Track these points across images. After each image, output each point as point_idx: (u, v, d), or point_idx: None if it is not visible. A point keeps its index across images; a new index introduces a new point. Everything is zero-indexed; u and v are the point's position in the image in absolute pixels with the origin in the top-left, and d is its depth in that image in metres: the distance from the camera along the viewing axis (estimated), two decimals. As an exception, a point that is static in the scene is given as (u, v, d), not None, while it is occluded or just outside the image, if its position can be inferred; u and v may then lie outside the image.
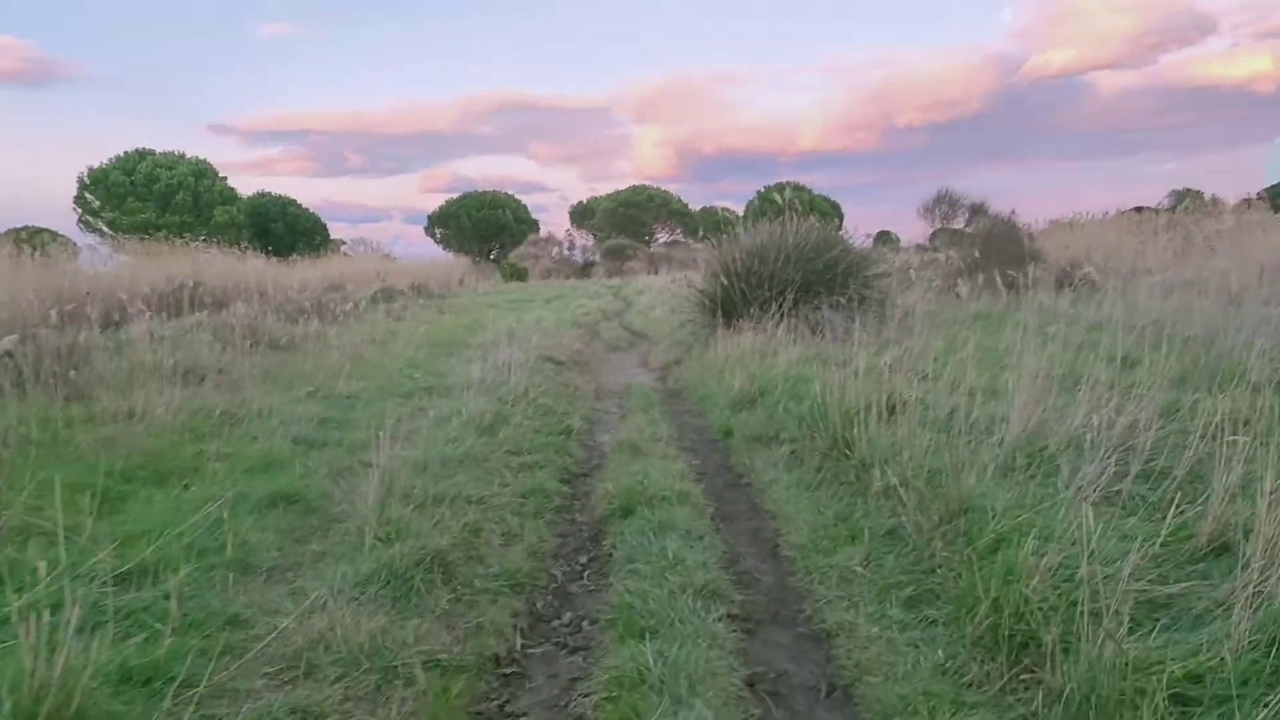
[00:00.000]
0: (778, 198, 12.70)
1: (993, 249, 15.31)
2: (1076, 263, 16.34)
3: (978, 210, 16.69)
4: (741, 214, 64.00)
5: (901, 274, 13.81)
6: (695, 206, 65.64)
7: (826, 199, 55.19)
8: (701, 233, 61.80)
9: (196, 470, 5.21)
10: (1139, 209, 23.95)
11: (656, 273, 42.18)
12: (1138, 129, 74.05)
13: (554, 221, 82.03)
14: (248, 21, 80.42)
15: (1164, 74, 72.12)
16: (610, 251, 52.76)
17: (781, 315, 9.55)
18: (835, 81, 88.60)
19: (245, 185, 53.58)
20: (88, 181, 46.93)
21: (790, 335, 9.13)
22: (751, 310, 10.17)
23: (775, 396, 6.62)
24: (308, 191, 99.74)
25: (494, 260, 54.33)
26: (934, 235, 24.49)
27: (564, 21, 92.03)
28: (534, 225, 61.77)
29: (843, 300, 10.26)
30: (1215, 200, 24.70)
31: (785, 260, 10.45)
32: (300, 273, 25.27)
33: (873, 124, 78.22)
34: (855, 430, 4.83)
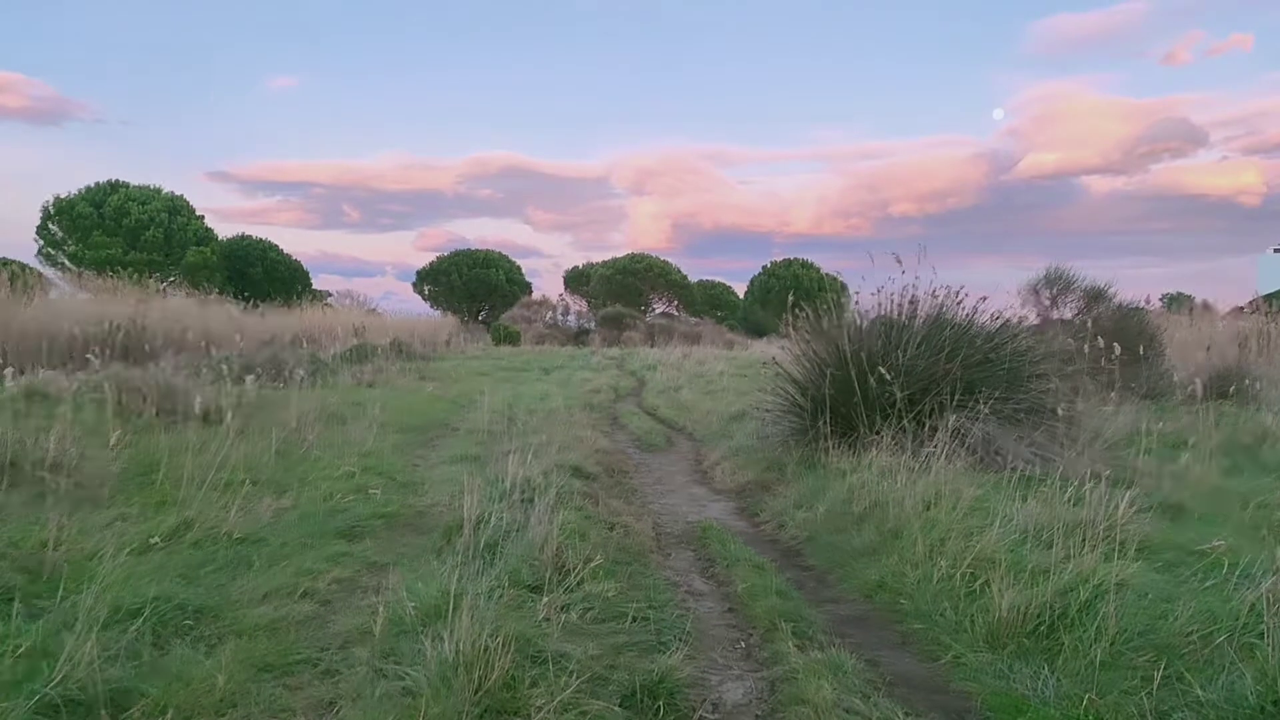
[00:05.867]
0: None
1: (1122, 344, 12.07)
2: (1218, 367, 13.16)
3: (1097, 295, 13.48)
4: (744, 291, 61.38)
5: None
6: (691, 280, 62.75)
7: (835, 277, 52.41)
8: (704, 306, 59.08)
9: None
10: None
11: (654, 344, 38.91)
12: (1126, 232, 73.26)
13: (547, 286, 79.00)
14: (258, 74, 78.46)
15: (1154, 181, 71.93)
16: (608, 320, 49.51)
17: (954, 431, 6.15)
18: (830, 168, 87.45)
19: (239, 232, 50.58)
20: (52, 212, 43.57)
21: (958, 462, 5.75)
22: (885, 419, 6.79)
23: (1090, 633, 3.20)
24: (304, 242, 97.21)
25: (483, 321, 51.15)
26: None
27: (566, 91, 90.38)
28: (526, 287, 58.71)
29: (1019, 410, 6.92)
30: (1207, 306, 23.33)
31: (933, 348, 7.10)
32: (270, 323, 22.05)
33: (867, 211, 76.45)
34: None
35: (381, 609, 3.42)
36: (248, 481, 5.75)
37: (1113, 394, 9.92)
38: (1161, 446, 8.06)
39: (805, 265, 59.55)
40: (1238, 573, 3.44)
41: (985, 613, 3.55)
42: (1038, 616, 3.41)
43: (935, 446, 5.78)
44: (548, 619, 3.55)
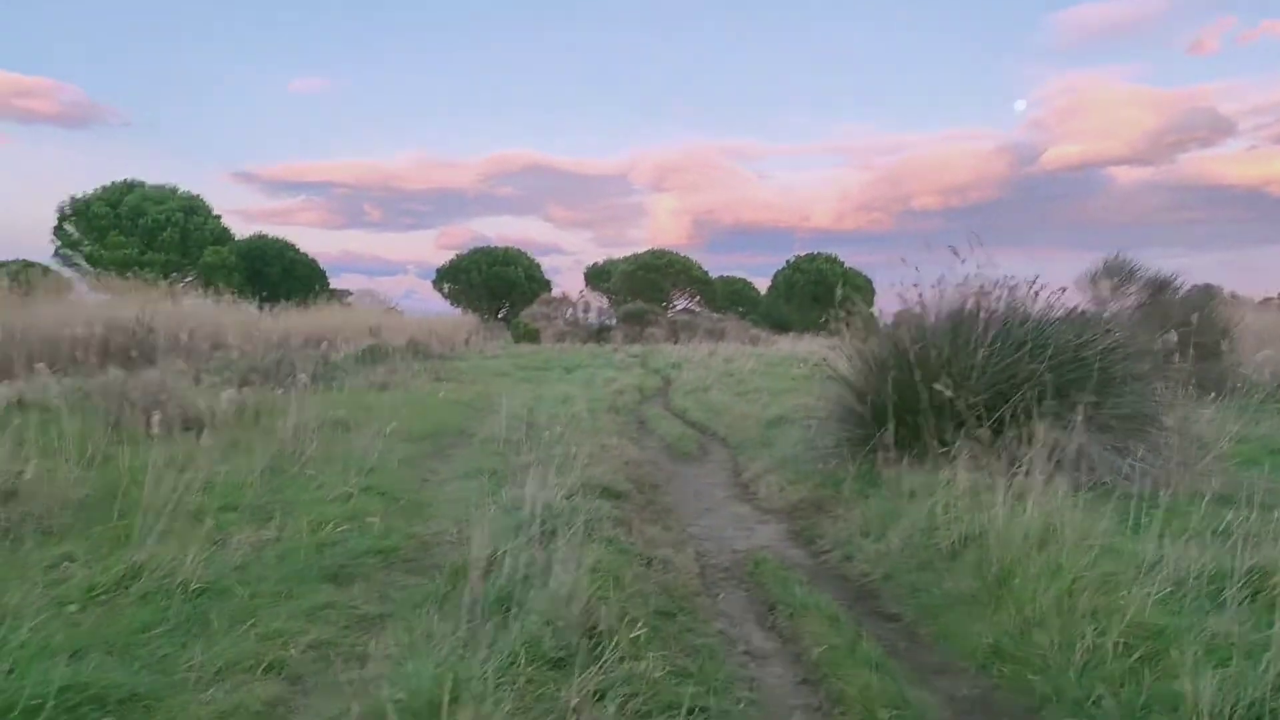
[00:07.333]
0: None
1: (1198, 338, 11.05)
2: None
3: (1162, 286, 12.46)
4: (766, 287, 60.33)
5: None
6: (712, 276, 61.71)
7: (860, 273, 51.25)
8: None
9: None
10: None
11: (677, 341, 38.01)
12: (1152, 224, 71.27)
13: (567, 283, 78.39)
14: (279, 78, 78.98)
15: (1181, 171, 69.98)
16: (630, 316, 48.55)
17: (1049, 444, 5.22)
18: (850, 162, 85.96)
19: (261, 232, 50.47)
20: (68, 212, 43.17)
21: (1060, 483, 4.80)
22: (957, 429, 5.89)
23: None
24: (327, 242, 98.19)
25: (503, 319, 50.43)
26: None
27: (585, 88, 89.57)
28: (546, 285, 58.01)
29: (1112, 417, 6.00)
30: (1235, 296, 22.32)
31: (1011, 347, 6.18)
32: (284, 323, 21.36)
33: (888, 205, 74.98)
34: None
35: (355, 705, 2.57)
36: (219, 510, 4.92)
37: (1194, 394, 8.96)
38: (1266, 454, 7.12)
39: (830, 260, 58.41)
40: None
41: (1171, 709, 2.64)
42: (1250, 721, 2.51)
43: (1027, 463, 4.86)
44: (578, 712, 2.69)
